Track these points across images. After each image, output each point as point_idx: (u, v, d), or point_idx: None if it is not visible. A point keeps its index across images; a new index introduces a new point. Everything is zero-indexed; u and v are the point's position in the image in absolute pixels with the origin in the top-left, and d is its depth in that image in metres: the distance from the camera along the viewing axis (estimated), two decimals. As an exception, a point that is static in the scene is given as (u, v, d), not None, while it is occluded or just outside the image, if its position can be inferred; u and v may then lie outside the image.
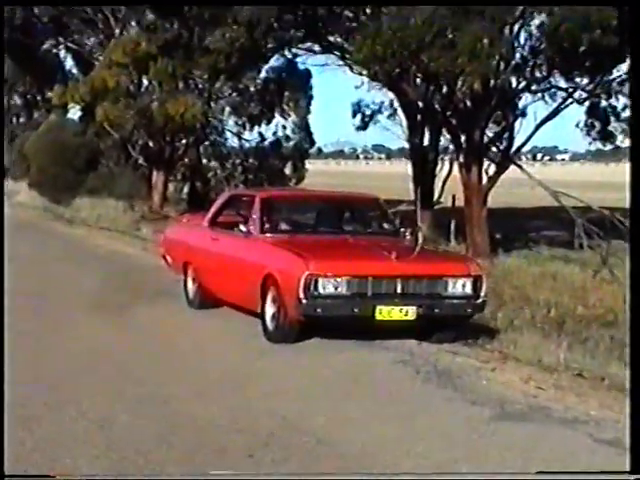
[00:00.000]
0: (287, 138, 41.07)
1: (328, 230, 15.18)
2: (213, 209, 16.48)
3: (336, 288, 12.34)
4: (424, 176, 29.40)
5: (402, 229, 14.94)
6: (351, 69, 26.45)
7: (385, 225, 15.29)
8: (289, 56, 35.40)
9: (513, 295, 17.50)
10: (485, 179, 25.66)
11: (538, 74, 25.18)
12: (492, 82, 23.94)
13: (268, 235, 14.16)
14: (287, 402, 9.66)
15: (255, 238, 14.12)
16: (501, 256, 24.60)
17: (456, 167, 26.87)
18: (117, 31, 39.71)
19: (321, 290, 12.29)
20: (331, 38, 27.57)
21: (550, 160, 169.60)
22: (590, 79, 25.40)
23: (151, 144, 39.39)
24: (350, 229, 15.62)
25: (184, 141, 39.68)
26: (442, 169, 29.42)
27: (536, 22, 22.97)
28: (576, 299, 16.97)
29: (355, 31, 24.60)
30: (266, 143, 41.17)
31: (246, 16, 24.16)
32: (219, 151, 42.06)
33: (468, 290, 12.79)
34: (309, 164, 44.02)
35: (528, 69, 24.86)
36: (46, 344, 12.39)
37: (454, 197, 28.69)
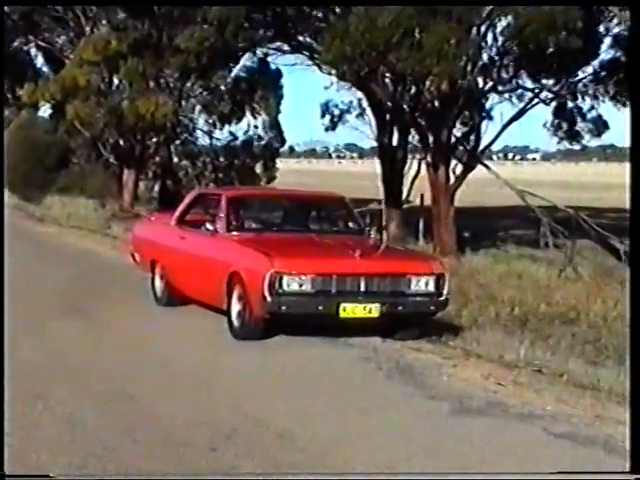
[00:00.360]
0: (258, 137, 41.14)
1: (294, 229, 15.23)
2: (180, 208, 16.55)
3: (300, 286, 12.40)
4: (393, 175, 29.41)
5: (367, 228, 15.08)
6: (320, 69, 26.52)
7: (350, 224, 15.34)
8: (260, 55, 35.55)
9: (478, 293, 17.60)
10: (452, 178, 25.84)
11: (505, 75, 25.33)
12: (459, 83, 24.08)
13: (234, 233, 14.20)
14: (250, 398, 9.73)
15: (222, 236, 14.18)
16: (468, 255, 24.75)
17: (424, 167, 27.01)
18: (88, 29, 39.46)
19: (286, 288, 12.33)
20: (300, 38, 27.67)
21: (521, 159, 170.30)
22: (556, 80, 25.62)
23: (122, 142, 39.35)
24: (316, 228, 15.65)
25: (155, 140, 39.69)
26: (411, 168, 29.49)
27: (503, 23, 23.09)
28: (540, 297, 17.10)
29: (324, 31, 24.66)
30: (237, 142, 41.21)
31: (215, 15, 24.23)
32: (190, 150, 42.12)
33: (431, 288, 12.86)
34: (281, 163, 44.11)
35: (495, 70, 25.03)
36: (13, 342, 12.46)
37: (422, 196, 28.82)
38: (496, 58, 24.82)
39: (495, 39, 24.22)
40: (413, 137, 28.41)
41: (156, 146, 40.38)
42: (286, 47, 29.86)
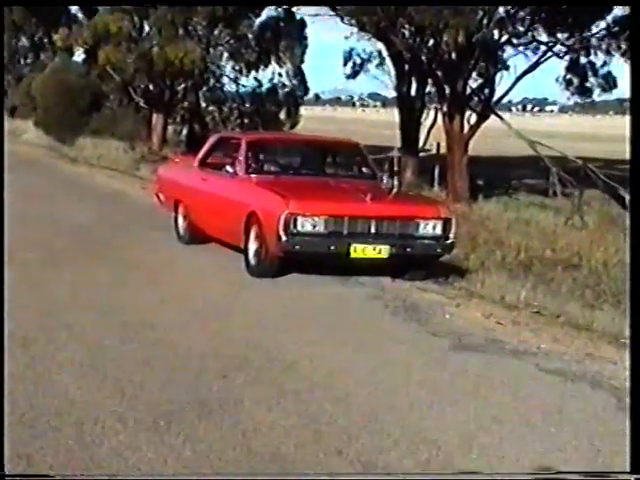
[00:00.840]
0: (283, 85, 41.17)
1: (310, 172, 15.34)
2: (203, 150, 16.63)
3: (314, 226, 12.54)
4: (410, 124, 29.52)
5: (381, 174, 15.25)
6: (342, 19, 26.47)
7: (364, 169, 15.36)
8: (285, 5, 35.55)
9: (487, 238, 17.74)
10: (467, 128, 25.90)
11: (520, 28, 25.32)
12: (475, 35, 24.09)
13: (253, 176, 14.28)
14: (263, 331, 9.91)
15: (241, 178, 14.27)
16: (480, 201, 24.88)
17: (440, 116, 27.07)
18: (121, -25, 39.64)
19: (300, 228, 12.47)
20: None
21: (540, 111, 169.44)
22: (570, 34, 25.59)
23: (152, 87, 39.51)
24: (331, 172, 15.80)
25: (183, 85, 39.77)
26: (428, 118, 29.58)
27: None
28: (546, 243, 17.23)
29: (345, -17, 24.73)
30: (262, 89, 41.24)
31: None
32: (217, 95, 42.13)
33: (438, 231, 12.96)
34: (306, 110, 44.17)
35: (510, 23, 25.00)
36: (42, 275, 12.66)
37: (438, 145, 28.95)
38: (512, 11, 24.78)
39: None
40: (431, 87, 28.49)
41: (184, 91, 40.44)
42: (309, -2, 29.88)
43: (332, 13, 27.74)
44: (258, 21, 38.77)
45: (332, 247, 12.58)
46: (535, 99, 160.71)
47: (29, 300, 10.75)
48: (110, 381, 7.77)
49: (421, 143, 29.79)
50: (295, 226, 12.46)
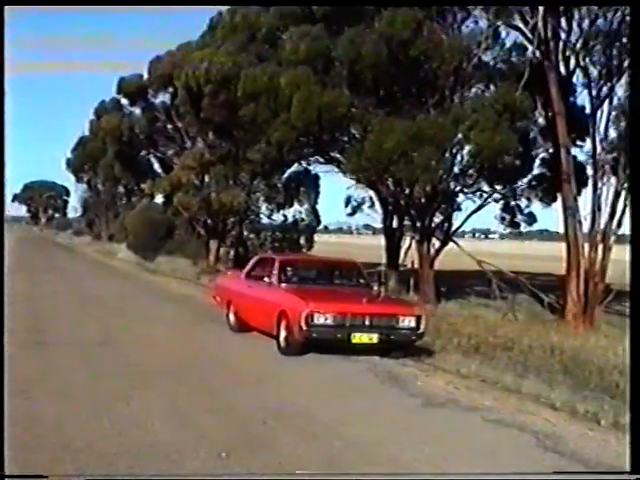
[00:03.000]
0: (302, 219, 41.40)
1: (322, 282, 15.75)
2: (248, 266, 17.09)
3: (325, 320, 12.81)
4: (393, 247, 29.73)
5: (371, 283, 15.57)
6: (344, 174, 26.92)
7: (360, 280, 15.58)
8: (304, 165, 36.04)
9: (447, 329, 17.70)
10: (432, 251, 26.16)
11: (469, 181, 25.68)
12: (438, 186, 24.49)
13: (283, 285, 14.65)
14: (291, 391, 10.14)
15: (274, 286, 14.63)
16: (443, 303, 24.97)
17: (414, 242, 27.32)
18: (189, 144, 40.20)
19: (316, 321, 12.76)
20: (331, 154, 28.00)
21: (485, 238, 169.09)
22: (503, 186, 26.03)
23: (209, 221, 39.66)
24: (337, 282, 16.10)
25: (232, 220, 39.79)
26: (405, 242, 29.75)
27: (467, 148, 23.39)
28: (489, 332, 17.25)
29: (347, 150, 25.11)
30: (288, 222, 41.44)
31: (275, 139, 24.65)
32: (255, 227, 42.18)
33: (412, 324, 13.18)
34: (317, 237, 44.25)
35: (462, 178, 25.34)
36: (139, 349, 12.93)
37: (412, 262, 29.03)
38: (463, 170, 25.19)
39: (462, 158, 24.51)
40: (407, 221, 28.72)
41: (232, 224, 40.41)
42: (321, 159, 30.21)
43: (337, 170, 28.23)
44: (285, 175, 39.26)
45: (338, 335, 12.80)
46: (481, 229, 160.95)
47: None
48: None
49: (400, 261, 29.96)
50: (312, 320, 12.74)
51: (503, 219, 27.88)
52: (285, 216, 41.29)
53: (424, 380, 11.34)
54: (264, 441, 7.47)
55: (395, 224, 29.97)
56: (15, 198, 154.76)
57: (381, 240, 31.40)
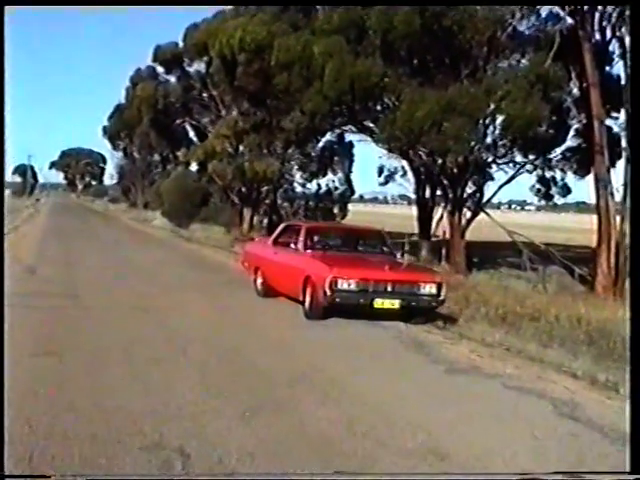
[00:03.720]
0: (335, 188, 41.55)
1: (347, 250, 16.10)
2: (275, 233, 17.52)
3: (349, 286, 13.12)
4: (425, 217, 29.85)
5: (394, 251, 15.84)
6: (377, 144, 27.01)
7: (384, 248, 15.88)
8: (338, 132, 36.10)
9: (476, 298, 17.85)
10: (464, 221, 26.23)
11: (502, 151, 25.68)
12: (470, 157, 24.51)
13: (308, 251, 15.01)
14: (313, 354, 10.29)
15: (301, 252, 15.02)
16: (474, 273, 25.06)
17: (445, 212, 27.40)
18: (223, 113, 40.38)
19: (339, 287, 13.09)
20: (364, 123, 28.10)
21: (521, 209, 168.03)
22: (536, 157, 25.97)
23: (243, 190, 39.97)
24: (361, 249, 16.43)
25: (265, 188, 40.07)
26: (437, 213, 29.84)
27: (500, 118, 23.32)
28: (517, 302, 17.34)
29: (380, 119, 25.16)
30: (321, 191, 41.55)
31: (308, 108, 24.76)
32: (289, 195, 42.38)
33: (434, 291, 13.51)
34: (352, 207, 44.33)
35: (494, 149, 25.34)
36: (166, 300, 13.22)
37: (444, 233, 29.17)
38: (496, 141, 25.15)
39: (495, 128, 24.50)
40: (439, 192, 28.81)
41: (266, 193, 40.70)
42: (355, 129, 30.31)
43: (370, 139, 28.29)
44: (319, 144, 39.39)
45: (361, 300, 13.12)
46: (517, 201, 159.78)
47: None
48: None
49: (432, 231, 30.07)
50: (336, 285, 13.07)
51: (538, 191, 27.87)
52: (319, 185, 41.63)
53: (448, 348, 11.46)
54: (288, 403, 7.64)
55: (427, 194, 30.07)
56: (53, 165, 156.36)
57: (415, 210, 31.48)
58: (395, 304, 13.23)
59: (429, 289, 13.54)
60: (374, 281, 13.34)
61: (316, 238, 16.16)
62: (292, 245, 15.51)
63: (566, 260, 24.78)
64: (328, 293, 13.04)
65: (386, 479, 5.89)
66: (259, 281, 16.63)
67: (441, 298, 13.65)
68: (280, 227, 17.93)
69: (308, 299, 13.70)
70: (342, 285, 13.13)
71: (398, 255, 15.71)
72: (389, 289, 13.35)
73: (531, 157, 26.23)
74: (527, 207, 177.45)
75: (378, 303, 13.17)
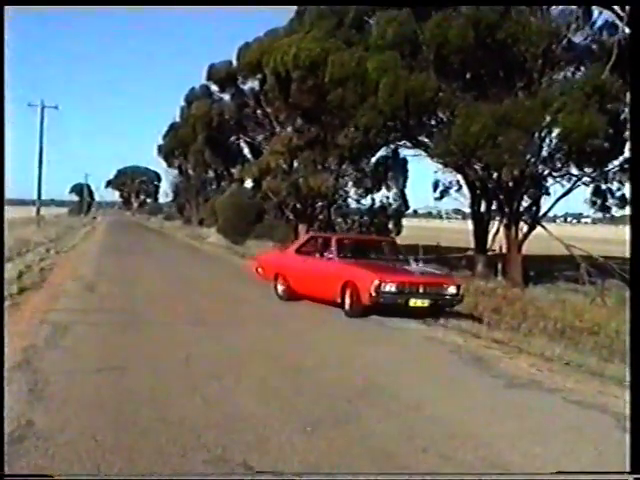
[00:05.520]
0: (390, 203, 41.60)
1: (368, 257, 18.14)
2: (297, 244, 19.88)
3: (390, 288, 15.32)
4: (481, 232, 29.75)
5: (410, 257, 18.52)
6: (432, 158, 27.01)
7: (399, 255, 18.40)
8: (392, 147, 36.13)
9: (534, 313, 17.89)
10: (520, 235, 26.04)
11: (558, 165, 25.48)
12: (525, 170, 24.37)
13: (338, 259, 16.99)
14: (372, 369, 10.04)
15: (334, 260, 16.98)
16: (531, 287, 24.92)
17: (502, 226, 27.25)
18: (278, 129, 40.71)
19: (383, 289, 15.25)
20: (419, 138, 28.13)
21: (577, 222, 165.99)
22: (593, 169, 25.71)
23: (298, 206, 40.19)
24: (381, 256, 18.52)
25: (320, 204, 40.36)
26: (492, 227, 29.70)
27: (556, 131, 23.20)
28: (576, 316, 17.30)
29: (434, 134, 25.21)
30: (376, 206, 41.64)
31: (363, 123, 24.88)
32: (343, 211, 42.61)
33: (454, 291, 15.89)
34: (407, 221, 44.23)
35: (550, 161, 25.17)
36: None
37: (500, 247, 29.10)
38: (551, 154, 24.96)
39: (550, 141, 24.35)
40: (494, 206, 28.67)
41: (321, 208, 40.97)
42: (409, 144, 30.35)
43: (425, 154, 28.31)
44: (373, 159, 39.45)
45: (399, 300, 15.36)
46: (573, 213, 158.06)
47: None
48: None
49: (488, 245, 29.93)
50: (380, 288, 15.23)
51: (594, 203, 27.64)
52: (373, 200, 41.69)
53: (508, 362, 11.40)
54: (348, 416, 7.66)
55: (483, 208, 29.96)
56: (109, 184, 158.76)
57: (470, 224, 31.36)
58: (425, 302, 15.49)
59: (451, 290, 15.88)
60: (409, 284, 15.59)
61: (345, 248, 18.14)
62: (325, 254, 17.54)
63: (625, 273, 24.43)
64: (373, 294, 15.20)
65: (387, 479, 5.93)
66: (280, 286, 18.37)
67: (459, 297, 16.04)
68: (302, 239, 19.96)
69: (348, 300, 15.77)
70: (385, 287, 15.29)
71: (412, 262, 17.93)
72: (421, 290, 15.60)
73: (587, 169, 25.98)
74: (583, 220, 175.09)
75: (412, 302, 15.39)
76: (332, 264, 16.85)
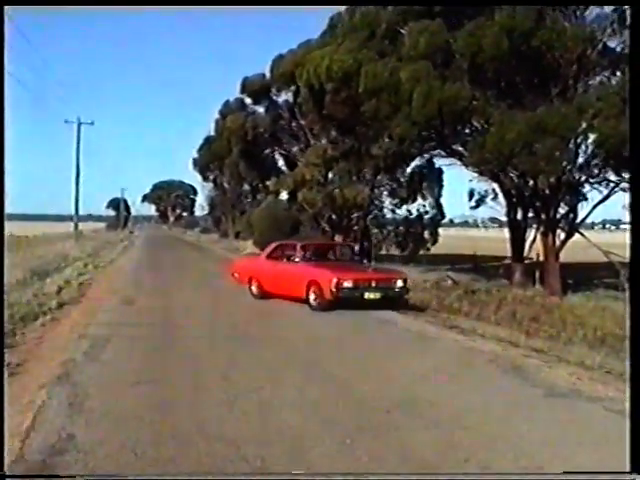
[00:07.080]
0: (426, 212, 41.49)
1: (327, 258, 21.15)
2: (267, 251, 21.95)
3: (346, 284, 17.90)
4: (518, 240, 29.56)
5: (363, 259, 21.83)
6: (467, 167, 26.88)
7: (355, 257, 22.24)
8: (427, 157, 36.07)
9: (573, 321, 17.69)
10: (558, 242, 25.81)
11: (595, 171, 25.22)
12: (562, 177, 24.17)
13: (303, 262, 19.69)
14: (413, 381, 10.05)
15: (300, 263, 19.68)
16: (569, 295, 24.67)
17: (539, 234, 27.04)
18: (312, 141, 40.79)
19: (341, 286, 17.83)
20: (453, 147, 28.03)
21: (616, 229, 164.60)
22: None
23: (334, 217, 40.23)
24: (339, 258, 21.60)
25: (356, 215, 40.31)
26: (529, 235, 29.48)
27: (592, 137, 22.96)
28: (616, 324, 17.05)
29: (469, 143, 25.06)
30: (411, 216, 41.62)
31: (397, 133, 24.86)
32: (379, 221, 42.64)
33: (402, 284, 18.70)
34: (442, 231, 44.13)
35: (587, 168, 24.90)
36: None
37: (537, 255, 28.85)
38: (588, 160, 24.72)
39: (587, 147, 24.12)
40: (531, 214, 28.46)
41: (357, 219, 40.92)
42: (444, 153, 30.26)
43: (460, 163, 28.18)
44: (408, 169, 39.40)
45: (355, 294, 17.98)
46: (612, 220, 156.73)
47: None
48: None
49: (525, 253, 29.72)
50: (339, 285, 17.83)
51: (632, 208, 27.25)
52: (409, 210, 41.64)
53: (547, 371, 11.27)
54: (386, 432, 7.60)
55: (519, 216, 29.76)
56: (145, 198, 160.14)
57: (507, 233, 31.17)
58: (378, 295, 18.19)
59: (399, 283, 18.63)
60: (363, 280, 18.23)
61: (308, 251, 20.48)
62: (292, 258, 20.10)
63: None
64: (334, 290, 17.78)
65: (387, 479, 5.90)
66: (254, 287, 21.01)
67: (405, 289, 18.77)
68: (272, 246, 21.98)
69: (312, 296, 18.24)
70: (343, 284, 17.84)
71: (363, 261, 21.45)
72: (373, 285, 18.29)
73: (625, 175, 25.64)
74: (622, 226, 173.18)
75: (366, 295, 18.06)
76: (298, 267, 19.51)
